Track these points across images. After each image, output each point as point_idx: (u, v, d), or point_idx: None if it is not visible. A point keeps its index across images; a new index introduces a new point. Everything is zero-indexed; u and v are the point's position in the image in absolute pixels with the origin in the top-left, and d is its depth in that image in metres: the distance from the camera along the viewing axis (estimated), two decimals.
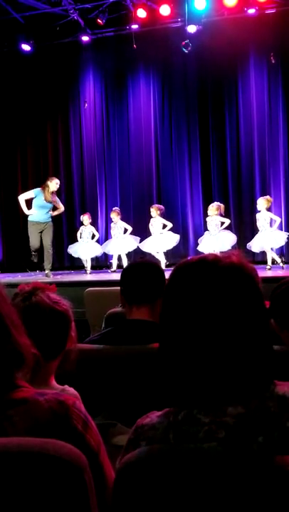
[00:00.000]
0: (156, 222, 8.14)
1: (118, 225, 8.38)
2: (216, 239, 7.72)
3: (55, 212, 7.76)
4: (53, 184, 7.54)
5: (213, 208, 7.84)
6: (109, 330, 1.91)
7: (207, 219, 8.00)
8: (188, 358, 0.87)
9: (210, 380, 0.85)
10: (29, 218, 7.55)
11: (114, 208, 8.66)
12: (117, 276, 6.69)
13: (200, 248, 7.98)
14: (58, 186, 7.62)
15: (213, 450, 0.79)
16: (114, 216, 8.39)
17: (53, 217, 7.73)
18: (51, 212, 7.63)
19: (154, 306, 1.93)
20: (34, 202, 7.54)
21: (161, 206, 8.30)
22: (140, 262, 2.05)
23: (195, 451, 0.80)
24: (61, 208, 7.82)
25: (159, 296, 1.96)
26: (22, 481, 0.77)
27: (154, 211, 8.13)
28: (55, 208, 7.73)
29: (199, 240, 8.19)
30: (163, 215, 8.21)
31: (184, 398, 0.88)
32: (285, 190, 8.87)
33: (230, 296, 0.87)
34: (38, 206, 7.50)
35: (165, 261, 8.04)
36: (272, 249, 7.60)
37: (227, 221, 7.86)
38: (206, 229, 8.09)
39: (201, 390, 0.86)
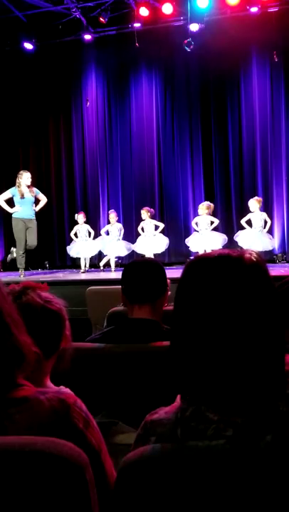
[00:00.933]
0: (148, 224, 8.20)
1: (115, 226, 8.45)
2: (207, 238, 7.76)
3: (39, 206, 7.73)
4: (24, 179, 7.50)
5: (204, 207, 7.93)
6: (111, 328, 1.90)
7: (197, 219, 8.04)
8: (201, 355, 0.85)
9: (221, 379, 0.84)
10: (14, 215, 7.53)
11: (112, 210, 8.72)
12: (118, 275, 6.68)
13: (191, 248, 8.00)
14: (29, 179, 7.55)
15: (215, 450, 0.79)
16: (113, 217, 8.46)
17: (37, 213, 7.71)
18: (34, 207, 7.63)
19: (156, 305, 1.93)
20: (15, 200, 7.54)
21: (152, 209, 8.36)
22: (141, 261, 2.04)
23: (196, 451, 0.79)
24: (43, 199, 7.78)
25: (161, 295, 1.96)
26: (23, 479, 0.77)
27: (144, 213, 8.19)
28: (37, 202, 7.72)
29: (186, 240, 8.15)
30: (153, 217, 8.30)
31: (192, 395, 0.87)
32: (287, 188, 8.86)
33: (253, 294, 0.85)
34: (20, 203, 7.51)
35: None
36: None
37: (216, 221, 7.97)
38: (194, 230, 8.10)
39: (210, 387, 0.85)
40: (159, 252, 8.27)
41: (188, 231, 9.39)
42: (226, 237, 7.86)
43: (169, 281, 2.03)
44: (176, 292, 0.92)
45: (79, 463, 0.79)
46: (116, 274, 7.54)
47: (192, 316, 0.87)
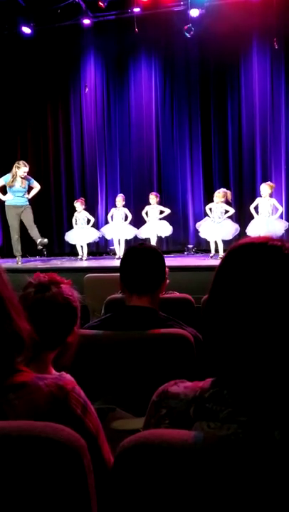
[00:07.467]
0: (155, 209, 8.20)
1: (121, 211, 8.40)
2: (220, 227, 7.64)
3: (32, 193, 7.78)
4: (21, 171, 7.59)
5: (220, 195, 7.67)
6: (109, 316, 1.91)
7: (212, 205, 7.79)
8: (235, 343, 0.83)
9: (251, 372, 0.82)
10: (6, 203, 7.61)
11: (120, 194, 8.67)
12: (117, 263, 6.70)
13: (202, 234, 7.93)
14: (26, 173, 7.63)
15: (216, 439, 0.78)
16: (120, 201, 8.42)
17: (31, 200, 7.76)
18: (27, 195, 7.68)
19: (155, 295, 1.92)
20: (7, 187, 7.60)
21: (157, 194, 8.40)
22: (140, 248, 2.00)
23: (193, 438, 0.80)
24: (36, 186, 7.84)
25: (160, 284, 1.95)
26: (21, 463, 0.77)
27: (153, 198, 8.21)
28: (30, 189, 7.77)
29: (198, 224, 8.06)
30: (160, 203, 8.32)
31: (219, 378, 0.86)
32: (286, 176, 8.84)
33: None
34: (13, 191, 7.58)
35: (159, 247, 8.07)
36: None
37: (232, 210, 7.71)
38: (206, 215, 7.97)
39: (239, 379, 0.83)
40: (162, 235, 8.26)
41: (186, 219, 9.37)
42: (238, 227, 7.68)
43: (167, 269, 2.03)
44: (214, 278, 0.89)
45: (76, 447, 0.79)
46: (114, 262, 7.55)
47: (231, 303, 0.85)
